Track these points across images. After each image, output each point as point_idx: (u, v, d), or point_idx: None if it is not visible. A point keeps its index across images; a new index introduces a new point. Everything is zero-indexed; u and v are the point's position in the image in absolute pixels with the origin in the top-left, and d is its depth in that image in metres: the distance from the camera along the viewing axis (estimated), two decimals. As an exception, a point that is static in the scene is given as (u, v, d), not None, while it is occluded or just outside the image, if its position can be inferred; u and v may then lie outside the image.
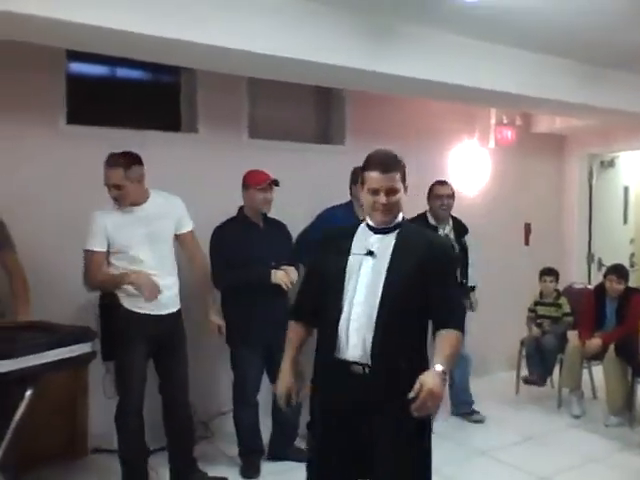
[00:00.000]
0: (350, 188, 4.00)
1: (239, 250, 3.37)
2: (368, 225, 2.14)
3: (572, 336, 4.56)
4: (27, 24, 2.56)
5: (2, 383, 2.45)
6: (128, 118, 3.84)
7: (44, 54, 3.33)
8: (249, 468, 3.47)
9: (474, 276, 4.43)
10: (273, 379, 3.56)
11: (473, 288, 4.46)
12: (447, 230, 4.26)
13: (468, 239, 4.38)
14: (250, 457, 3.52)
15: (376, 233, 2.11)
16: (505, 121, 5.32)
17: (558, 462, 3.66)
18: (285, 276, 3.37)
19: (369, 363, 2.01)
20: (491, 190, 5.42)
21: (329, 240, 2.22)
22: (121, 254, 3.00)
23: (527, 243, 5.77)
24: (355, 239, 2.12)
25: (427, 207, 4.30)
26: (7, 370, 2.40)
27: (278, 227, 3.64)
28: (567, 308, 4.71)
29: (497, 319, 5.24)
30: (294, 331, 2.27)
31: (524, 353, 4.71)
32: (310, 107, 4.75)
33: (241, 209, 3.55)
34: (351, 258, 2.08)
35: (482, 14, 3.31)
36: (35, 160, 3.49)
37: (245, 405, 3.50)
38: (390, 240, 2.09)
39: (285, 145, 4.34)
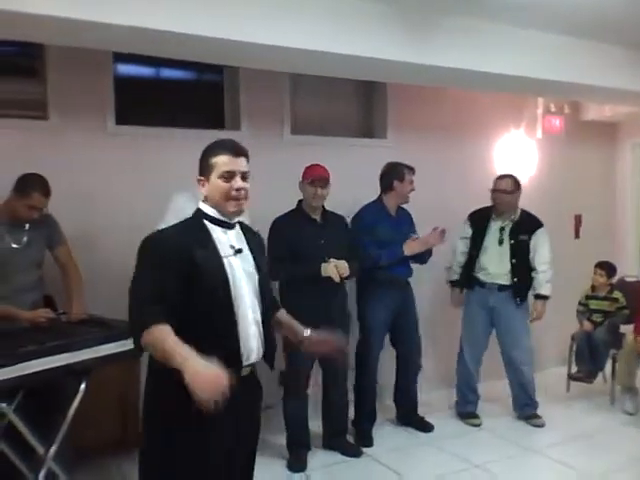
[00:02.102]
0: (392, 183, 3.94)
1: (294, 244, 3.43)
2: (213, 220, 1.91)
3: (628, 331, 4.43)
4: (73, 28, 2.63)
5: (59, 376, 2.55)
6: (173, 117, 3.92)
7: (92, 57, 3.43)
8: (296, 461, 3.51)
9: (541, 281, 4.09)
10: (326, 370, 3.61)
11: (541, 297, 4.11)
12: (504, 224, 4.11)
13: (535, 238, 4.09)
14: (297, 450, 3.56)
15: (228, 228, 1.94)
16: (553, 110, 5.18)
17: (610, 460, 3.57)
18: (334, 268, 3.40)
19: (255, 362, 1.97)
20: (539, 181, 5.29)
21: (178, 248, 1.82)
22: None
23: (577, 235, 5.61)
24: (215, 240, 1.89)
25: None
26: (64, 363, 2.50)
27: (336, 220, 3.67)
28: (623, 302, 4.58)
29: (547, 314, 5.12)
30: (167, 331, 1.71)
31: (574, 348, 4.59)
32: (352, 101, 4.74)
33: (300, 202, 3.61)
34: (225, 261, 1.88)
35: (527, 2, 3.23)
36: (87, 159, 3.58)
37: (295, 396, 3.54)
38: (240, 234, 1.98)
39: (327, 140, 4.35)
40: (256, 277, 1.97)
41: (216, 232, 1.92)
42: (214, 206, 1.92)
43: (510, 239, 4.08)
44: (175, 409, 1.78)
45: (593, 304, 4.67)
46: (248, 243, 2.00)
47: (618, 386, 4.42)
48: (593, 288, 4.72)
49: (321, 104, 4.52)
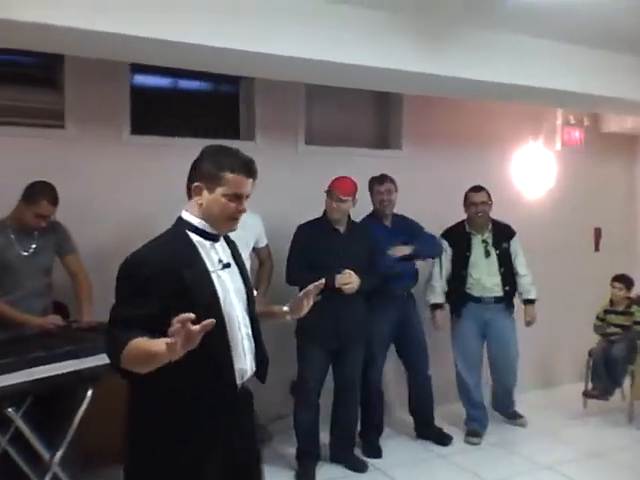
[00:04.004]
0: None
1: (314, 253, 3.42)
2: (201, 233, 1.81)
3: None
4: (91, 40, 2.68)
5: (67, 383, 2.58)
6: (189, 127, 3.95)
7: (109, 68, 3.48)
8: (304, 474, 3.48)
9: (527, 286, 4.19)
10: (338, 382, 3.59)
11: (531, 301, 4.20)
12: (485, 236, 4.11)
13: (513, 244, 4.19)
14: (306, 461, 3.53)
15: (215, 241, 1.85)
16: (572, 121, 5.12)
17: (622, 479, 3.49)
18: (344, 279, 3.35)
19: (247, 379, 1.91)
20: (558, 194, 5.22)
21: (168, 265, 1.71)
22: None
23: (597, 249, 5.52)
24: (203, 254, 1.80)
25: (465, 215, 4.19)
26: (72, 370, 2.54)
27: (361, 232, 3.64)
28: (639, 317, 4.49)
29: (565, 328, 5.05)
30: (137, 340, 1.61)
31: (591, 364, 4.51)
32: (367, 112, 4.74)
33: (325, 212, 3.58)
34: (214, 277, 1.79)
35: (543, 12, 3.20)
36: (102, 168, 3.63)
37: (306, 406, 3.52)
38: (225, 246, 1.91)
39: (342, 151, 4.34)
40: (244, 291, 1.90)
41: (203, 246, 1.81)
42: (204, 218, 1.80)
43: (495, 249, 4.11)
44: (168, 432, 1.73)
45: (611, 318, 4.59)
46: (233, 256, 1.93)
47: (637, 402, 4.31)
48: (611, 302, 4.63)
49: (336, 115, 4.53)
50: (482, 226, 4.13)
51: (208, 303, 1.73)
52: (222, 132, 4.11)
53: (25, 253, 2.96)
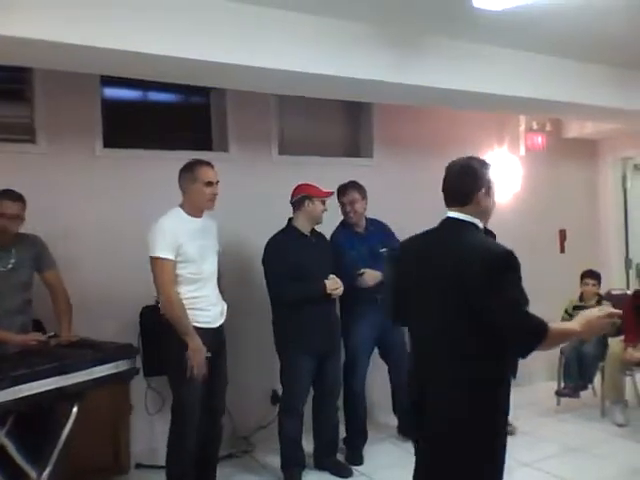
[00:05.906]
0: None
1: (294, 262, 3.41)
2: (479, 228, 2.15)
3: (613, 343, 4.46)
4: (61, 52, 2.65)
5: (51, 400, 2.53)
6: (161, 140, 3.94)
7: (79, 81, 3.45)
8: (290, 482, 3.48)
9: None
10: (320, 388, 3.58)
11: None
12: None
13: None
14: (292, 470, 3.51)
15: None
16: (535, 127, 5.29)
17: (603, 472, 3.57)
18: (333, 284, 3.42)
19: None
20: (523, 197, 5.37)
21: None
22: (185, 263, 2.97)
23: (563, 250, 5.69)
24: None
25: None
26: (56, 387, 2.48)
27: (323, 238, 3.68)
28: (609, 314, 4.61)
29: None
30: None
31: (563, 362, 4.62)
32: (339, 121, 4.81)
33: (290, 221, 3.56)
34: None
35: (507, 22, 3.30)
36: (75, 183, 3.59)
37: (292, 415, 3.48)
38: None
39: (314, 160, 4.38)
40: None
41: None
42: (479, 217, 2.14)
43: None
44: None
45: (581, 315, 4.71)
46: None
47: (607, 397, 4.44)
48: (581, 298, 4.75)
49: (308, 124, 4.58)
50: None
51: None
52: (195, 144, 4.10)
53: (3, 269, 2.90)
